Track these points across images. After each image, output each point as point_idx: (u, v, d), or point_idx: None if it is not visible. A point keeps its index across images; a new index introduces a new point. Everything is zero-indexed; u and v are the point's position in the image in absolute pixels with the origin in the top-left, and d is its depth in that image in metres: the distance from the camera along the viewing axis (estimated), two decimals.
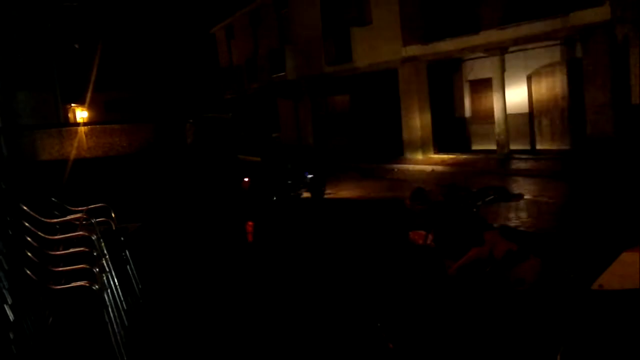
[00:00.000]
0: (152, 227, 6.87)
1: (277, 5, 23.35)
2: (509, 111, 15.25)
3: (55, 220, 4.84)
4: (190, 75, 33.63)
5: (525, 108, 15.93)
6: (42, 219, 4.60)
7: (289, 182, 10.26)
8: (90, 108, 26.92)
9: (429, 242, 3.62)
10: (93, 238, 4.35)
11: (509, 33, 13.91)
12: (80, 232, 4.50)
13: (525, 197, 9.24)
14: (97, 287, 3.70)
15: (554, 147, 15.28)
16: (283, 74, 22.33)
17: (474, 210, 3.55)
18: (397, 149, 17.93)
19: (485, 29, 14.47)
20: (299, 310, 4.89)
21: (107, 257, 4.52)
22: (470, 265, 3.31)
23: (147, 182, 8.01)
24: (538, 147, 15.75)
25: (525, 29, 13.51)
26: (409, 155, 17.48)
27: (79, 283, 3.69)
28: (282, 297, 5.30)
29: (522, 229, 7.17)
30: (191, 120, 12.27)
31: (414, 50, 16.85)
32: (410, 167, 16.01)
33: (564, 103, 14.82)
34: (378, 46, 17.84)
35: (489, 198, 3.59)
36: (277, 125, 24.91)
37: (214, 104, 29.43)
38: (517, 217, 8.25)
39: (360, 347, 4.00)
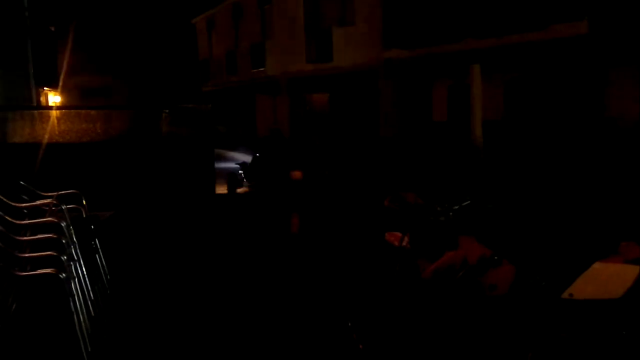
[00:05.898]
0: (123, 217, 6.76)
1: None
2: (485, 118, 15.41)
3: (24, 204, 4.71)
4: (169, 66, 33.23)
5: (499, 116, 16.10)
6: (10, 202, 4.48)
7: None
8: (66, 94, 26.38)
9: (404, 243, 3.63)
10: (62, 225, 4.25)
11: (489, 43, 14.08)
12: (49, 218, 4.38)
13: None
14: (64, 275, 3.61)
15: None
16: (263, 69, 22.22)
17: (450, 214, 3.58)
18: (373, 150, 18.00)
19: (466, 37, 14.62)
20: (265, 308, 4.86)
21: (76, 245, 4.42)
22: (444, 269, 3.33)
23: (121, 171, 7.86)
24: None
25: (505, 40, 13.69)
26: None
27: (45, 270, 3.59)
28: (255, 292, 5.27)
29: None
30: (167, 110, 12.10)
31: (395, 53, 16.91)
32: None
33: (537, 113, 15.03)
34: (359, 47, 17.85)
35: (465, 203, 3.62)
36: (253, 120, 24.79)
37: (192, 96, 29.15)
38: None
39: (330, 347, 3.99)
